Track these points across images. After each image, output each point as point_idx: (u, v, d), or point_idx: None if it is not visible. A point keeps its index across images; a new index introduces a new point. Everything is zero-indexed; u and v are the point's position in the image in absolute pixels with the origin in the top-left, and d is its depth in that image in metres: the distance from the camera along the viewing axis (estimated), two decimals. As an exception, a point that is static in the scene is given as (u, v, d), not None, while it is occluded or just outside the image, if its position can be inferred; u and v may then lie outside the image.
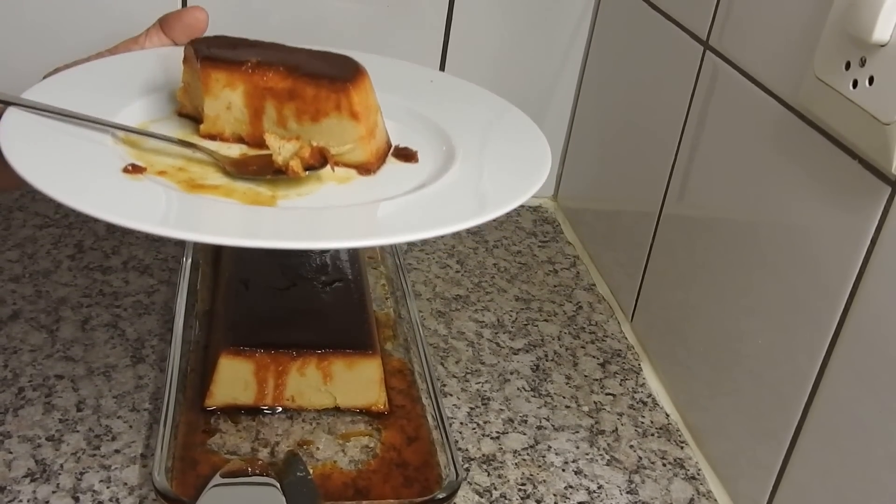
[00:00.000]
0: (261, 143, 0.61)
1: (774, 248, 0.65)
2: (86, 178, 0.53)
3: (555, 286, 0.94)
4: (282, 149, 0.58)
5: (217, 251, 0.85)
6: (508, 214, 1.06)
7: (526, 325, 0.87)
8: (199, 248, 0.85)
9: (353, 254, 0.81)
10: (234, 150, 0.62)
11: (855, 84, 0.55)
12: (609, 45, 0.98)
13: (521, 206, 1.09)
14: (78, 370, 0.73)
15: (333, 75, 0.60)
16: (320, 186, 0.59)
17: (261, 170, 0.58)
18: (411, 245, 0.97)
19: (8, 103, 0.57)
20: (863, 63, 0.54)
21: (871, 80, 0.53)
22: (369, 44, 0.98)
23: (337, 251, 0.80)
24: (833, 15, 0.57)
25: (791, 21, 0.64)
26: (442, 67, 1.01)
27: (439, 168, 0.62)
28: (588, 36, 1.02)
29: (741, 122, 0.70)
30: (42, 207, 0.93)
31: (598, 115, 1.00)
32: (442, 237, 0.99)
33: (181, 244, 0.89)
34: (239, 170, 0.59)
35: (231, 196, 0.56)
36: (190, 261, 0.81)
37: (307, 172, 0.57)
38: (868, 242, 0.55)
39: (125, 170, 0.54)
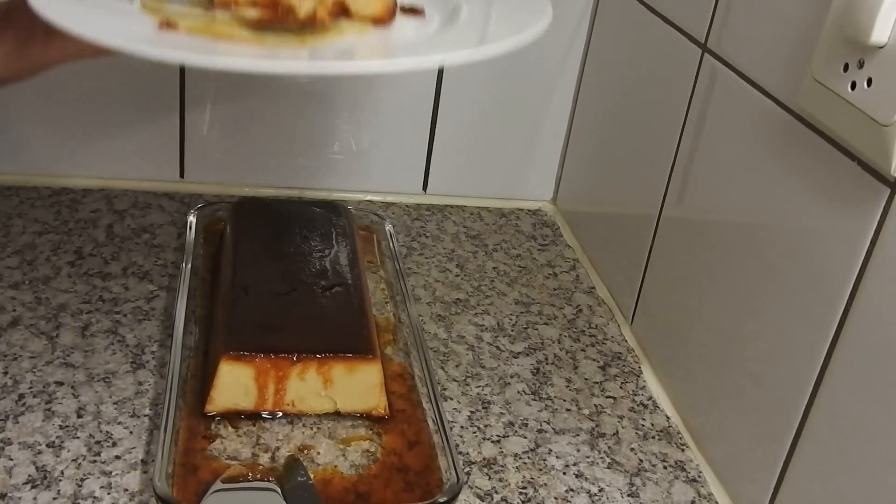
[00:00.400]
0: (274, 5, 0.63)
1: (774, 251, 0.65)
2: (123, 27, 0.56)
3: (554, 289, 0.94)
4: (302, 2, 0.60)
5: (216, 257, 0.85)
6: (507, 217, 1.06)
7: (526, 328, 0.87)
8: (199, 253, 0.85)
9: (353, 258, 0.81)
10: (252, 14, 0.63)
11: (853, 86, 0.55)
12: (607, 48, 0.98)
13: (521, 210, 1.09)
14: (78, 376, 0.73)
15: None
16: (342, 38, 0.61)
17: (284, 23, 0.61)
18: (411, 249, 0.97)
19: None
20: (861, 65, 0.54)
21: (869, 82, 0.53)
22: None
23: (336, 255, 0.80)
24: (831, 17, 0.57)
25: (789, 23, 0.64)
26: (440, 71, 1.01)
27: (447, 18, 0.65)
28: (586, 39, 1.02)
29: (740, 124, 0.70)
30: (41, 214, 0.93)
31: (597, 117, 1.00)
32: (441, 241, 0.99)
33: (180, 250, 0.89)
34: (263, 25, 0.61)
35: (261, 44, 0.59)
36: (189, 266, 0.81)
37: (332, 21, 0.60)
38: (867, 244, 0.55)
39: (161, 25, 0.57)
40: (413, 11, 0.67)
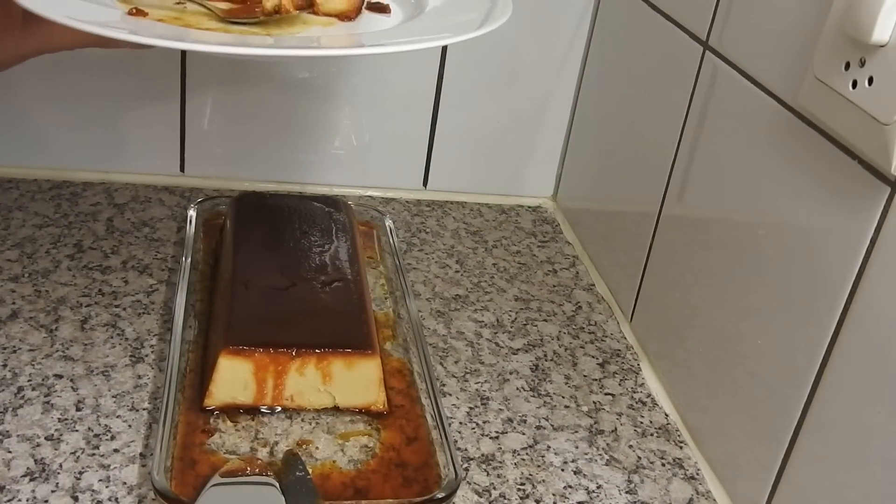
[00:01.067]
0: (244, 0, 0.66)
1: (774, 249, 0.65)
2: (96, 13, 0.58)
3: (554, 286, 0.94)
4: None
5: (216, 252, 0.85)
6: (507, 214, 1.06)
7: (525, 325, 0.87)
8: (199, 248, 0.85)
9: (353, 254, 0.81)
10: (222, 6, 0.66)
11: (854, 84, 0.55)
12: (608, 45, 0.98)
13: (521, 206, 1.09)
14: (77, 370, 0.73)
15: None
16: (308, 28, 0.65)
17: (251, 13, 0.64)
18: (411, 245, 0.97)
19: None
20: (862, 63, 0.54)
21: (870, 81, 0.53)
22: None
23: (336, 251, 0.80)
24: (832, 15, 0.57)
25: (790, 21, 0.64)
26: (441, 67, 1.01)
27: (410, 14, 0.68)
28: (588, 36, 1.02)
29: (741, 122, 0.70)
30: (41, 207, 0.93)
31: (598, 115, 1.00)
32: (441, 237, 0.99)
33: (180, 244, 0.90)
34: (231, 16, 0.64)
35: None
36: (189, 261, 0.81)
37: (296, 12, 0.63)
38: (867, 243, 0.55)
39: (129, 12, 0.60)
40: (379, 8, 0.70)
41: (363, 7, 0.70)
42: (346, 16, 0.68)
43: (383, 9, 0.70)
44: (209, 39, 0.58)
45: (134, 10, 0.61)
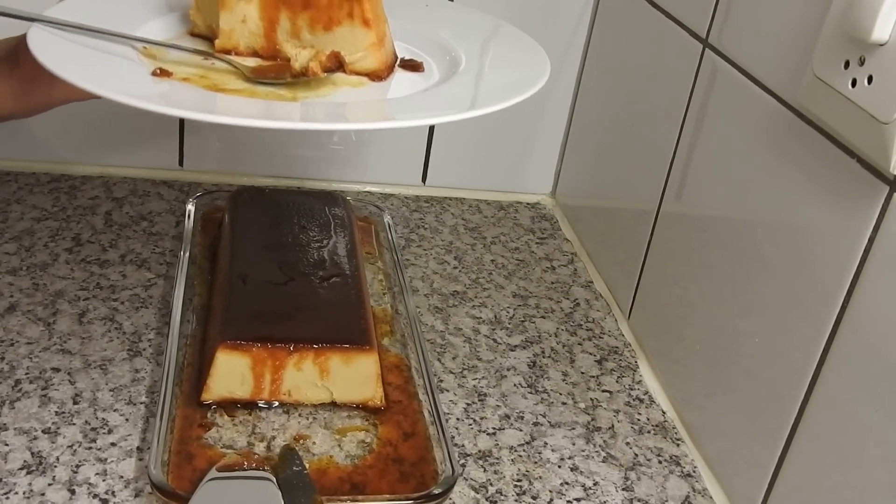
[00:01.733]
0: (274, 56, 0.65)
1: (772, 247, 0.65)
2: (121, 78, 0.57)
3: (552, 283, 0.94)
4: (299, 55, 0.62)
5: (214, 246, 0.85)
6: (506, 210, 1.06)
7: (523, 321, 0.87)
8: (197, 242, 0.85)
9: (351, 249, 0.81)
10: (251, 63, 0.65)
11: (854, 83, 0.55)
12: (608, 43, 0.98)
13: (519, 203, 1.09)
14: (74, 363, 0.73)
15: None
16: (336, 90, 0.62)
17: (279, 75, 0.62)
18: (409, 241, 0.97)
19: (33, 20, 0.59)
20: (862, 62, 0.54)
21: (869, 80, 0.53)
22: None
23: (335, 246, 0.80)
24: (832, 14, 0.57)
25: (790, 20, 0.64)
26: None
27: (445, 75, 0.66)
28: (587, 33, 1.02)
29: (740, 120, 0.70)
30: (40, 200, 0.93)
31: (597, 112, 1.00)
32: (439, 233, 0.99)
33: (178, 238, 0.89)
34: (258, 76, 0.62)
35: (254, 97, 0.59)
36: (187, 255, 0.81)
37: (325, 74, 0.61)
38: (865, 241, 0.56)
39: (154, 73, 0.58)
40: (412, 66, 0.67)
41: (396, 65, 0.68)
42: (377, 75, 0.65)
43: (416, 67, 0.68)
44: (236, 111, 0.56)
45: (158, 71, 0.59)
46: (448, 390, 0.76)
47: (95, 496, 0.62)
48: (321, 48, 0.63)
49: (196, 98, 0.57)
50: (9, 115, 0.65)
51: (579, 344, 0.85)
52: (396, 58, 0.68)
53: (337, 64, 0.61)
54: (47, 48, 0.56)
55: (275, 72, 0.62)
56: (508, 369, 0.80)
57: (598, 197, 0.99)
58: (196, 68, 0.63)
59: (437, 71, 0.67)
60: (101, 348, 0.75)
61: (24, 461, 0.63)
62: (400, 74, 0.66)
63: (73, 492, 0.62)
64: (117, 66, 0.59)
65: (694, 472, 0.72)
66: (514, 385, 0.78)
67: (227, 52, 0.65)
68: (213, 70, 0.63)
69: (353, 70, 0.64)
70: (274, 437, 0.67)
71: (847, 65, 0.55)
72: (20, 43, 0.61)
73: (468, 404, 0.75)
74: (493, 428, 0.73)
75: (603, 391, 0.79)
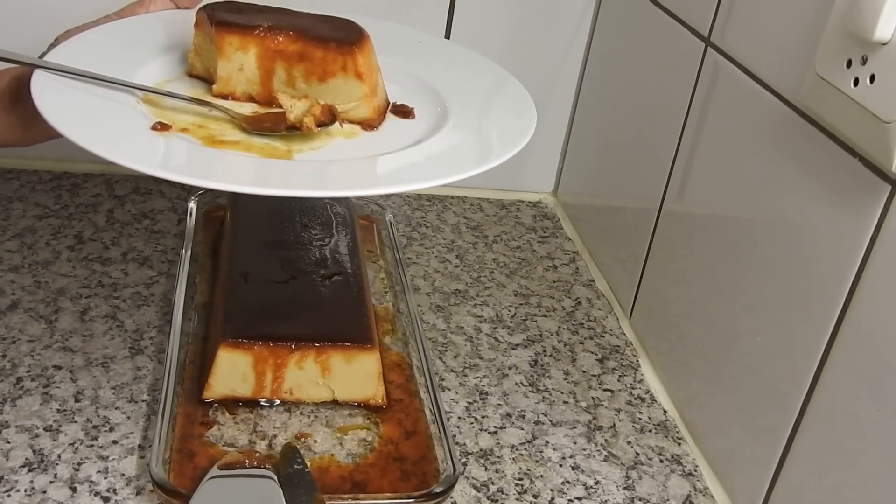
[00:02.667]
0: (270, 102, 0.66)
1: (774, 246, 0.65)
2: (120, 135, 0.58)
3: (554, 282, 0.94)
4: (293, 107, 0.63)
5: (216, 244, 0.85)
6: (508, 209, 1.06)
7: (525, 320, 0.87)
8: (199, 240, 0.85)
9: (353, 247, 0.81)
10: (246, 109, 0.66)
11: (856, 82, 0.54)
12: (610, 41, 0.98)
13: (521, 201, 1.09)
14: (76, 361, 0.73)
15: (340, 38, 0.65)
16: (330, 141, 0.64)
17: (274, 126, 0.63)
18: (411, 239, 0.97)
19: (34, 66, 0.60)
20: (864, 61, 0.54)
21: (872, 79, 0.53)
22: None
23: (336, 244, 0.80)
24: (835, 13, 0.57)
25: (793, 18, 0.64)
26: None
27: (435, 123, 0.67)
28: (590, 31, 1.02)
29: (742, 119, 0.70)
30: (42, 198, 0.93)
31: (599, 110, 1.00)
32: (441, 232, 0.99)
33: (180, 236, 0.89)
34: (254, 126, 0.63)
35: (250, 151, 0.61)
36: (189, 253, 0.81)
37: (318, 129, 0.62)
38: (867, 241, 0.55)
39: (153, 127, 0.59)
40: (403, 112, 0.69)
41: (388, 111, 0.69)
42: (370, 123, 0.66)
43: (407, 113, 0.69)
44: (232, 177, 0.56)
45: (159, 126, 0.59)
46: (449, 389, 0.76)
47: (97, 494, 0.62)
48: (316, 96, 0.64)
49: (192, 161, 0.59)
50: (7, 145, 0.66)
51: (581, 343, 0.85)
52: (388, 103, 0.69)
53: (331, 117, 0.63)
54: (51, 101, 0.57)
55: (270, 121, 0.63)
56: (510, 368, 0.80)
57: (599, 196, 0.99)
58: (194, 116, 0.64)
59: (427, 117, 0.68)
60: (103, 346, 0.75)
61: (26, 459, 0.63)
62: (391, 122, 0.68)
63: (74, 489, 0.62)
64: (117, 120, 0.60)
65: (695, 470, 0.72)
66: (516, 384, 0.78)
67: (225, 96, 0.67)
68: (210, 119, 0.64)
69: (347, 118, 0.66)
70: (275, 436, 0.67)
71: (849, 64, 0.55)
72: (21, 81, 0.62)
73: (469, 403, 0.75)
74: (495, 426, 0.73)
75: (604, 390, 0.79)
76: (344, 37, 0.65)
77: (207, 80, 0.68)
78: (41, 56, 0.63)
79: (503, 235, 1.01)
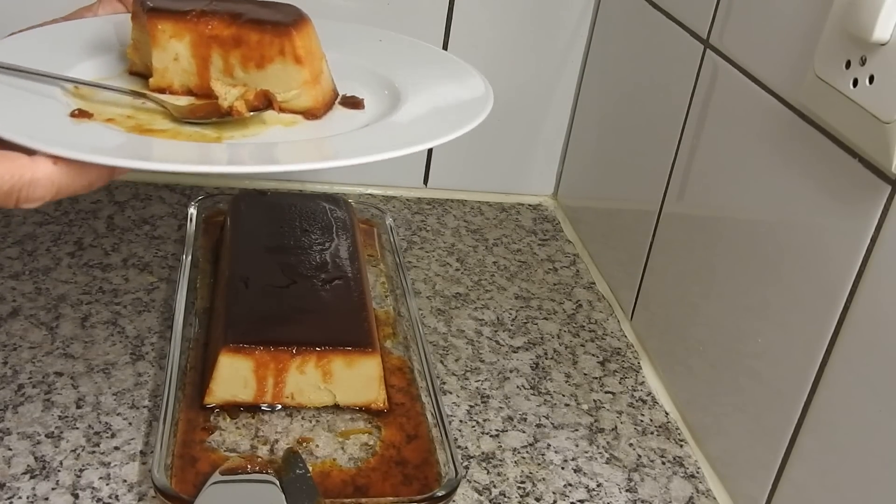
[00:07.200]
0: (209, 95, 0.62)
1: (774, 247, 0.65)
2: (33, 120, 0.54)
3: (554, 284, 0.94)
4: (227, 94, 0.60)
5: (217, 249, 0.85)
6: (508, 212, 1.06)
7: (525, 323, 0.87)
8: (199, 245, 0.85)
9: (353, 252, 0.81)
10: (183, 102, 0.63)
11: (855, 83, 0.55)
12: (609, 43, 0.98)
13: (521, 204, 1.09)
14: (77, 367, 0.73)
15: (276, 21, 0.62)
16: (266, 129, 0.60)
17: (208, 115, 0.60)
18: (411, 243, 0.97)
19: None
20: (863, 62, 0.54)
21: (871, 79, 0.53)
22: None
23: (336, 249, 0.80)
24: (833, 14, 0.57)
25: (791, 20, 0.64)
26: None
27: (384, 111, 0.64)
28: (588, 34, 1.02)
29: (741, 120, 0.70)
30: (42, 205, 0.93)
31: (599, 113, 1.00)
32: (441, 235, 0.99)
33: (181, 242, 0.89)
34: (187, 116, 0.60)
35: (178, 138, 0.57)
36: (190, 258, 0.81)
37: (251, 114, 0.59)
38: (868, 241, 0.55)
39: (72, 114, 0.56)
40: (353, 103, 0.65)
41: (337, 102, 0.65)
42: (312, 113, 0.63)
43: (356, 104, 0.65)
44: (143, 154, 0.53)
45: (77, 112, 0.56)
46: (451, 392, 0.76)
47: (99, 500, 0.62)
48: (255, 85, 0.61)
49: (102, 141, 0.55)
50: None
51: (582, 345, 0.85)
52: (337, 95, 0.66)
53: (266, 102, 0.60)
54: None
55: (204, 111, 0.60)
56: (511, 371, 0.80)
57: (599, 198, 0.99)
58: (125, 108, 0.61)
59: (377, 108, 0.65)
60: (104, 352, 0.75)
61: (28, 466, 0.63)
62: (337, 112, 0.65)
63: (76, 496, 0.62)
64: (35, 106, 0.56)
65: (697, 472, 0.72)
66: (517, 387, 0.78)
67: (162, 90, 0.64)
68: (141, 110, 0.61)
69: (288, 108, 0.63)
70: (277, 441, 0.67)
71: (848, 65, 0.55)
72: None
73: (471, 406, 0.75)
74: (496, 430, 0.73)
75: (606, 392, 0.79)
76: (281, 19, 0.62)
77: (147, 76, 0.65)
78: None
79: (503, 238, 1.01)
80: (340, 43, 0.69)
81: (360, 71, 0.69)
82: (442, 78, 0.69)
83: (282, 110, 0.61)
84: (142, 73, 0.66)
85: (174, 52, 0.63)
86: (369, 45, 0.74)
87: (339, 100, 0.66)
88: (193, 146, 0.56)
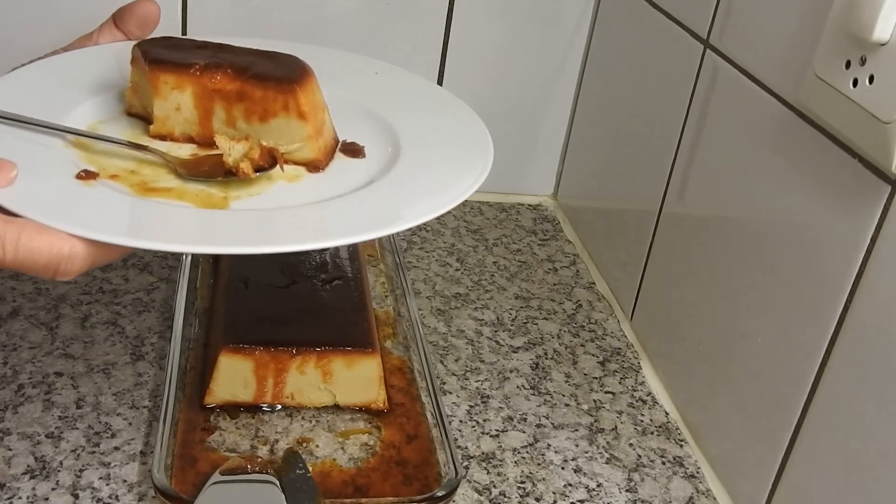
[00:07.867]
0: (211, 143, 0.61)
1: (774, 247, 0.65)
2: (40, 186, 0.53)
3: (554, 284, 0.94)
4: (232, 149, 0.59)
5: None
6: (508, 212, 1.06)
7: (525, 323, 0.87)
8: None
9: (353, 252, 0.81)
10: (185, 150, 0.62)
11: (855, 83, 0.55)
12: (609, 44, 0.98)
13: (521, 204, 1.09)
14: (77, 367, 0.73)
15: (280, 77, 0.61)
16: (271, 185, 0.59)
17: (212, 170, 0.59)
18: (411, 243, 0.97)
19: None
20: (863, 62, 0.54)
21: (871, 79, 0.53)
22: (368, 44, 0.98)
23: (336, 249, 0.80)
24: (833, 14, 0.57)
25: (791, 20, 0.64)
26: (442, 66, 1.01)
27: (386, 163, 0.63)
28: (588, 34, 1.02)
29: (741, 120, 0.70)
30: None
31: (599, 113, 1.00)
32: (441, 235, 0.99)
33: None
34: (190, 171, 0.59)
35: (183, 199, 0.56)
36: (190, 258, 0.81)
37: (257, 174, 0.58)
38: (868, 241, 0.55)
39: (78, 176, 0.55)
40: (353, 151, 0.65)
41: (337, 149, 0.65)
42: (315, 165, 0.62)
43: (357, 152, 0.64)
44: (158, 235, 0.52)
45: (83, 174, 0.55)
46: (451, 392, 0.76)
47: (99, 500, 0.62)
48: (258, 137, 0.61)
49: (116, 218, 0.53)
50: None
51: (582, 345, 0.85)
52: (338, 142, 0.65)
53: (271, 161, 0.59)
54: None
55: (208, 165, 0.59)
56: (511, 371, 0.80)
57: (599, 198, 0.99)
58: (127, 161, 0.59)
59: (378, 156, 0.64)
60: (104, 352, 0.75)
61: (28, 466, 0.63)
62: (339, 163, 0.64)
63: (76, 496, 0.62)
64: (40, 167, 0.55)
65: (697, 472, 0.72)
66: (517, 387, 0.78)
67: (163, 137, 0.63)
68: (144, 163, 0.60)
69: (291, 160, 0.62)
70: (277, 441, 0.67)
71: (848, 65, 0.55)
72: None
73: (471, 406, 0.75)
74: (496, 430, 0.73)
75: (606, 392, 0.79)
76: (285, 74, 0.61)
77: (146, 118, 0.64)
78: None
79: (503, 238, 1.01)
80: (337, 78, 0.67)
81: (357, 111, 0.68)
82: (438, 123, 0.68)
83: (285, 162, 0.61)
84: (140, 115, 0.65)
85: (176, 103, 0.62)
86: (366, 81, 0.73)
87: (339, 147, 0.65)
88: (195, 221, 0.55)
